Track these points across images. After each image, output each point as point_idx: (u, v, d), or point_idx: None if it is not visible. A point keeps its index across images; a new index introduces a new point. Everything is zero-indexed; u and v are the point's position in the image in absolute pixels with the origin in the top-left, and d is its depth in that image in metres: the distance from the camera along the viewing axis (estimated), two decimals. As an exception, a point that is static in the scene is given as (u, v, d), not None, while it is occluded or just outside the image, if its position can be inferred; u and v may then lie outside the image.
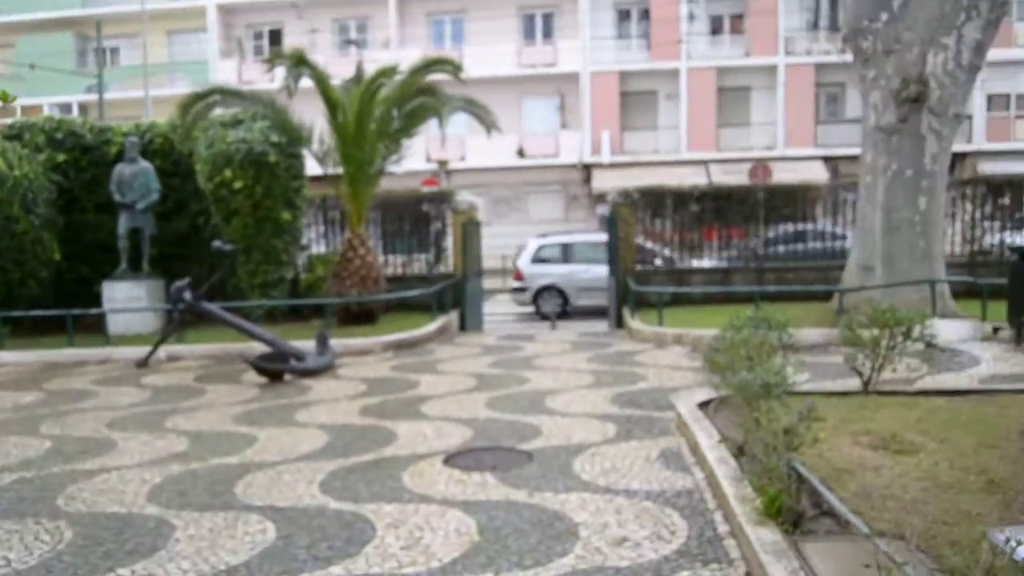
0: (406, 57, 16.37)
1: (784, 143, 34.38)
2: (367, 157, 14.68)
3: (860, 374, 8.39)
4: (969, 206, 16.23)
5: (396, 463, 7.12)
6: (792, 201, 16.97)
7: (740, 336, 6.90)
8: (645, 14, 35.45)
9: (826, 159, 33.47)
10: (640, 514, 5.72)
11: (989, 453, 6.34)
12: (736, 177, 30.67)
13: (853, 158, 32.70)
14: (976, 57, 11.97)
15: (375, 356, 12.74)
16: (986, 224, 16.44)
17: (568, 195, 36.66)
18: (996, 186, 16.58)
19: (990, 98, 33.42)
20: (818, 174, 31.34)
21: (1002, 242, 16.28)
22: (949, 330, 10.83)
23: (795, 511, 5.10)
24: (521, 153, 35.56)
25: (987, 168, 29.24)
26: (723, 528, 5.43)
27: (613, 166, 34.36)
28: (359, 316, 14.61)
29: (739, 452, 6.35)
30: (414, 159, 25.07)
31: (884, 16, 12.29)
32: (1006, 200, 16.47)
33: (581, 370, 11.07)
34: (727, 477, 5.86)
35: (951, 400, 7.99)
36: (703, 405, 7.99)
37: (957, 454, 6.31)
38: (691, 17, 33.52)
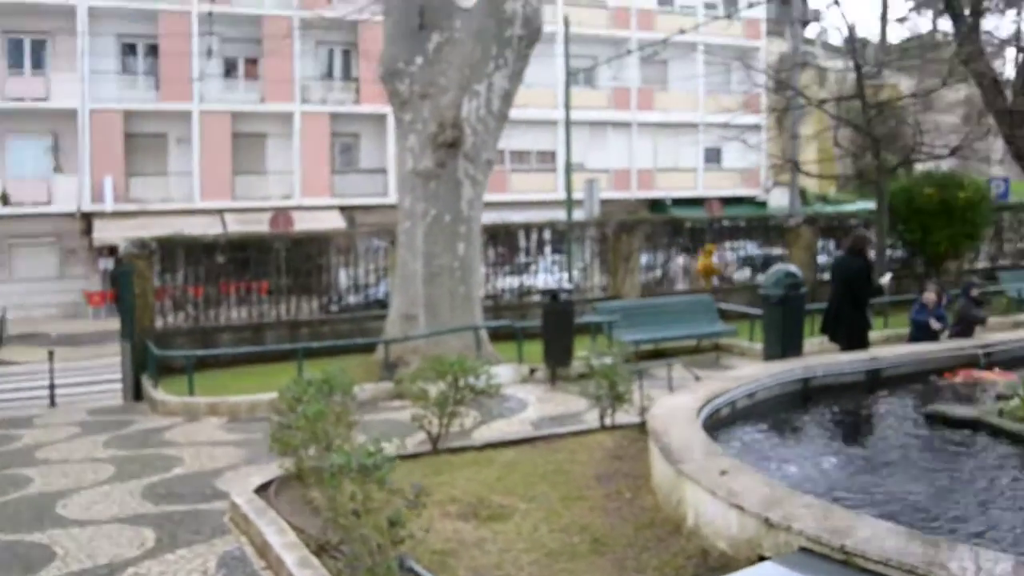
0: None
1: (301, 192, 33.92)
2: None
3: (429, 433, 7.80)
4: (491, 252, 16.93)
5: None
6: (322, 250, 16.28)
7: (313, 409, 5.82)
8: (153, 50, 32.81)
9: (343, 208, 33.67)
10: (207, 655, 4.36)
11: (579, 506, 6.03)
12: (254, 227, 29.37)
13: (368, 208, 33.59)
14: (504, 105, 12.36)
15: None
16: (500, 269, 17.26)
17: (64, 248, 32.37)
18: (494, 234, 17.28)
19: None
20: (336, 223, 31.33)
21: (520, 285, 17.27)
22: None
23: (413, 622, 4.17)
24: (5, 200, 30.64)
25: (486, 218, 31.62)
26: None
27: (118, 215, 31.02)
28: None
29: (320, 549, 5.26)
30: None
31: (419, 59, 12.19)
32: (504, 248, 17.30)
33: (99, 459, 9.05)
34: (317, 587, 4.73)
35: (520, 451, 7.71)
36: (261, 489, 6.74)
37: (550, 512, 5.90)
38: (209, 53, 31.51)
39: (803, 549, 4.35)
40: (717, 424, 7.22)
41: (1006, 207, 21.06)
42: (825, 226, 19.28)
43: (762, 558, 4.59)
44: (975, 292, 11.45)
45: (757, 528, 4.68)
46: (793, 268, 10.35)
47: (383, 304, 16.14)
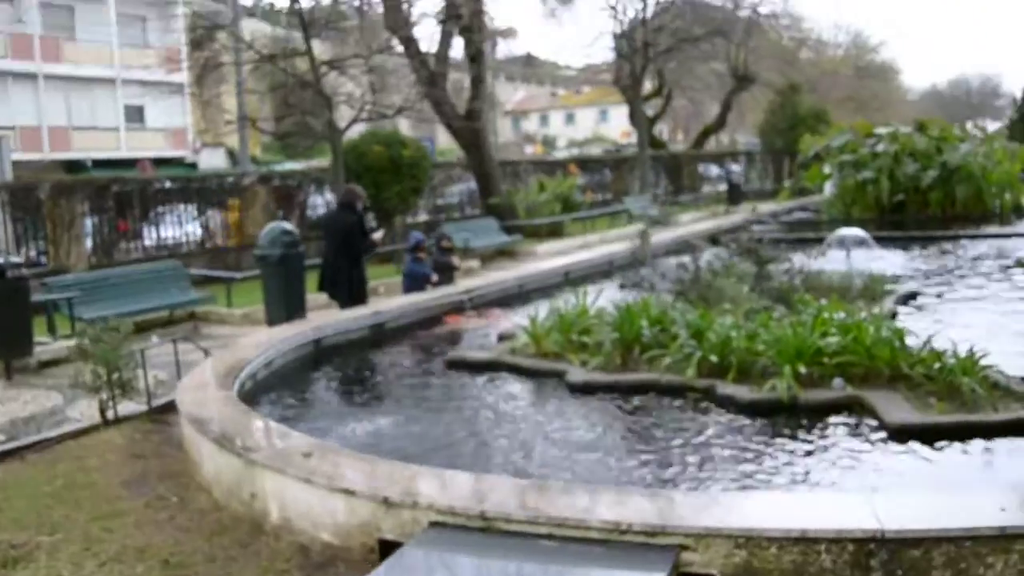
0: None
1: None
2: None
3: None
4: None
5: None
6: None
7: None
8: None
9: None
10: None
11: (121, 525, 4.93)
12: None
13: None
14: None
15: None
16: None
17: None
18: None
19: None
20: None
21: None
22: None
23: None
24: None
25: None
26: None
27: None
28: None
29: None
30: None
31: None
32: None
33: None
34: None
35: (7, 469, 6.14)
36: None
37: (87, 541, 4.72)
38: None
39: (435, 524, 3.98)
40: (244, 400, 6.49)
41: (438, 165, 22.87)
42: (279, 185, 18.98)
43: (384, 542, 4.12)
44: (445, 243, 12.11)
45: (373, 510, 4.19)
46: (289, 226, 9.85)
47: None
